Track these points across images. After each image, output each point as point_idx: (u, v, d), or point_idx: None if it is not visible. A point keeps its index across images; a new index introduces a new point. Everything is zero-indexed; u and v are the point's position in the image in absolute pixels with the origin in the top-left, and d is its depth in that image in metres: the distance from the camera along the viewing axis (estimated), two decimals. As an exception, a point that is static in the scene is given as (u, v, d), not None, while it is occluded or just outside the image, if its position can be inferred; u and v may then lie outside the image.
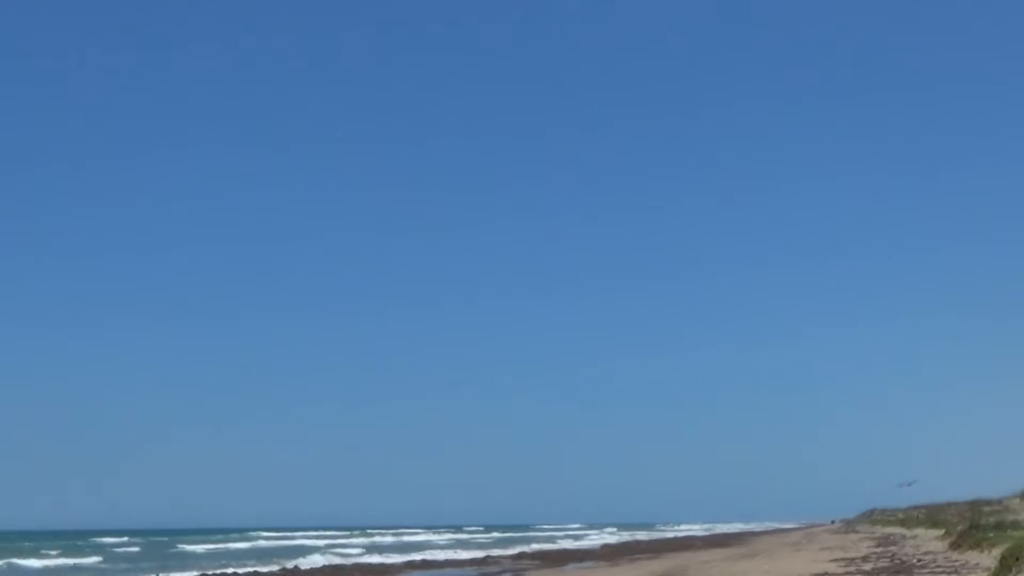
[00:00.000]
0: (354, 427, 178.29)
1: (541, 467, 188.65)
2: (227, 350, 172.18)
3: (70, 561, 61.38)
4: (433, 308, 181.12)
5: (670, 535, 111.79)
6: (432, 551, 68.74)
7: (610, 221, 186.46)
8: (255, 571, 46.59)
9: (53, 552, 69.87)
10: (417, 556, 60.90)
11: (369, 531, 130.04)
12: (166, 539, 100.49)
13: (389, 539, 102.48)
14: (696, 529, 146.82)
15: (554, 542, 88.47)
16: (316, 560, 56.14)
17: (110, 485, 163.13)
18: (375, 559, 58.08)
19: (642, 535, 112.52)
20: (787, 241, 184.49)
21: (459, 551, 68.51)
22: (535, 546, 76.41)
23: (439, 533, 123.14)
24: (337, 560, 56.86)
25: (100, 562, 64.48)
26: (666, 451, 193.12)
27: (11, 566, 57.70)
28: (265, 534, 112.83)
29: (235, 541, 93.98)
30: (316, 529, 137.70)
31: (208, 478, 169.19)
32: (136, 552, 74.20)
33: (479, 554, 63.49)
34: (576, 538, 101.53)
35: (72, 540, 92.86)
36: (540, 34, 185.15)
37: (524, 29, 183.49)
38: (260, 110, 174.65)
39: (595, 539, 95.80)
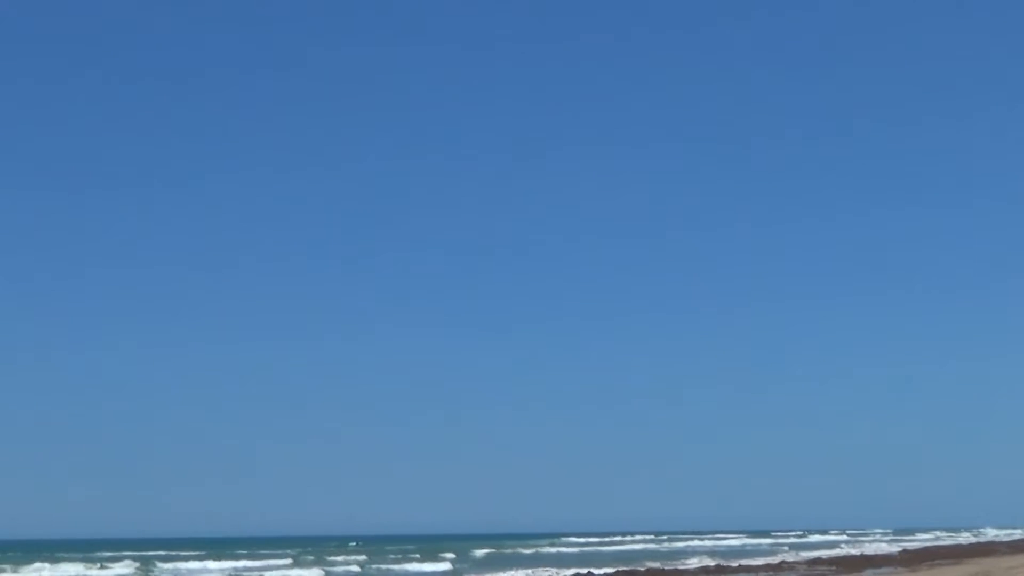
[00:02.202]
0: (654, 431, 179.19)
1: (849, 471, 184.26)
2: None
3: (430, 567, 65.42)
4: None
5: (984, 540, 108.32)
6: (730, 557, 70.25)
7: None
8: (556, 572, 50.37)
9: (392, 555, 75.08)
10: (711, 561, 62.69)
11: (683, 535, 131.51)
12: (481, 543, 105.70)
13: (693, 543, 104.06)
14: (1019, 533, 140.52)
15: (858, 546, 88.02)
16: (608, 564, 58.72)
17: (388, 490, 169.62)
18: (669, 564, 60.26)
19: (950, 539, 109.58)
20: None
21: (757, 558, 69.66)
22: (834, 551, 76.54)
23: (745, 537, 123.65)
24: (629, 565, 59.20)
25: (454, 560, 70.07)
26: (969, 452, 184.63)
27: (382, 572, 62.51)
28: (570, 539, 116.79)
29: (546, 546, 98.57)
30: (619, 533, 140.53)
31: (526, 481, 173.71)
32: (482, 556, 78.66)
33: (774, 559, 64.56)
34: (881, 543, 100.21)
35: (400, 544, 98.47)
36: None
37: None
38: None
39: (899, 544, 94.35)
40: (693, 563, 60.90)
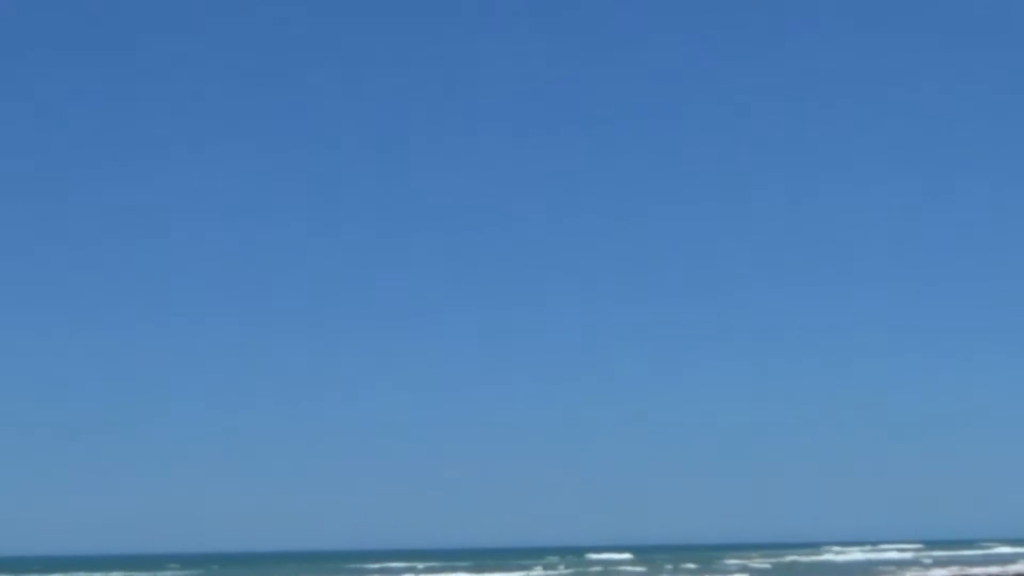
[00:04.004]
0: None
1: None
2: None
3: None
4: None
5: None
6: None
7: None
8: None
9: (667, 565, 76.09)
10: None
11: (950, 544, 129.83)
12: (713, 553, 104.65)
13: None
14: None
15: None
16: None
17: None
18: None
19: None
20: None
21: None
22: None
23: (1007, 546, 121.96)
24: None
25: (742, 569, 70.88)
26: None
27: None
28: (834, 547, 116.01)
29: (799, 555, 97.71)
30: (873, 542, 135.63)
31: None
32: (767, 566, 77.64)
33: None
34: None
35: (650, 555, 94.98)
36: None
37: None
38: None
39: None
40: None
